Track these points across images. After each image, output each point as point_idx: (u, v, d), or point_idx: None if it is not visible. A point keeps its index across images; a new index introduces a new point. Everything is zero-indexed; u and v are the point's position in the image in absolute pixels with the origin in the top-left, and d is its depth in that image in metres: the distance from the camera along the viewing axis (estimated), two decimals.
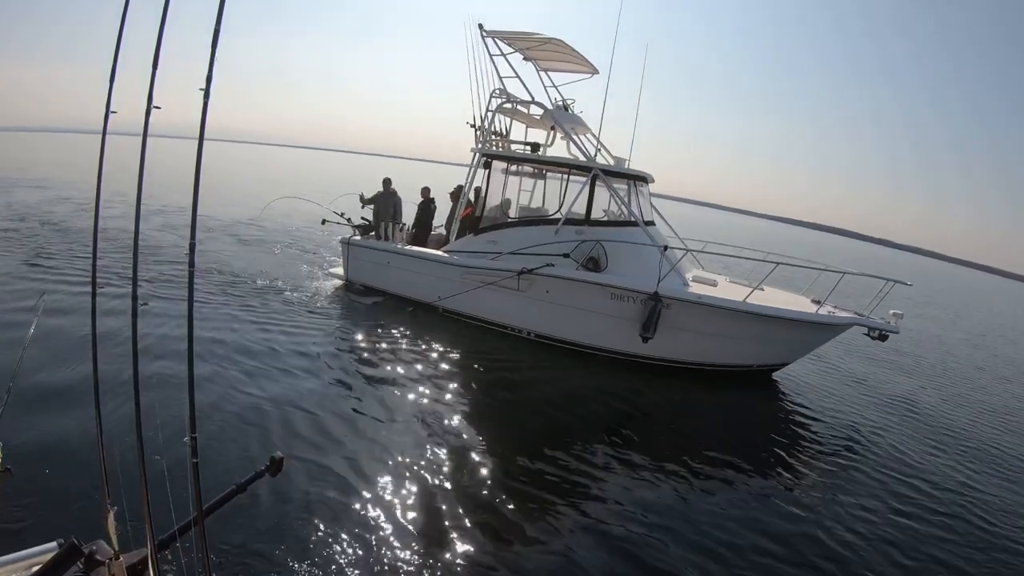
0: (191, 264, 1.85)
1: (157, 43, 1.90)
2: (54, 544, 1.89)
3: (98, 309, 2.22)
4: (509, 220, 9.67)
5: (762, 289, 8.37)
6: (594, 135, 10.13)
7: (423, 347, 8.13)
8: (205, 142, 1.76)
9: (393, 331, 8.65)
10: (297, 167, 69.42)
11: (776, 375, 8.97)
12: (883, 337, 7.76)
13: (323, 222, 10.56)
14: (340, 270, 11.08)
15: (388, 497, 4.49)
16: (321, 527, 4.03)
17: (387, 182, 10.68)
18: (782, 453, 6.51)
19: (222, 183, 29.79)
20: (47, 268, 9.54)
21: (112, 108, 2.17)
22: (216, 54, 1.72)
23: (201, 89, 1.74)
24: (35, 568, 1.75)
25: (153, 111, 1.97)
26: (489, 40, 9.61)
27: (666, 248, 8.33)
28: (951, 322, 22.53)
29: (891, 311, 7.76)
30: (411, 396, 6.48)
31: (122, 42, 2.08)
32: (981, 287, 64.11)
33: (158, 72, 1.94)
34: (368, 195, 10.61)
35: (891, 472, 6.30)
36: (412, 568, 3.78)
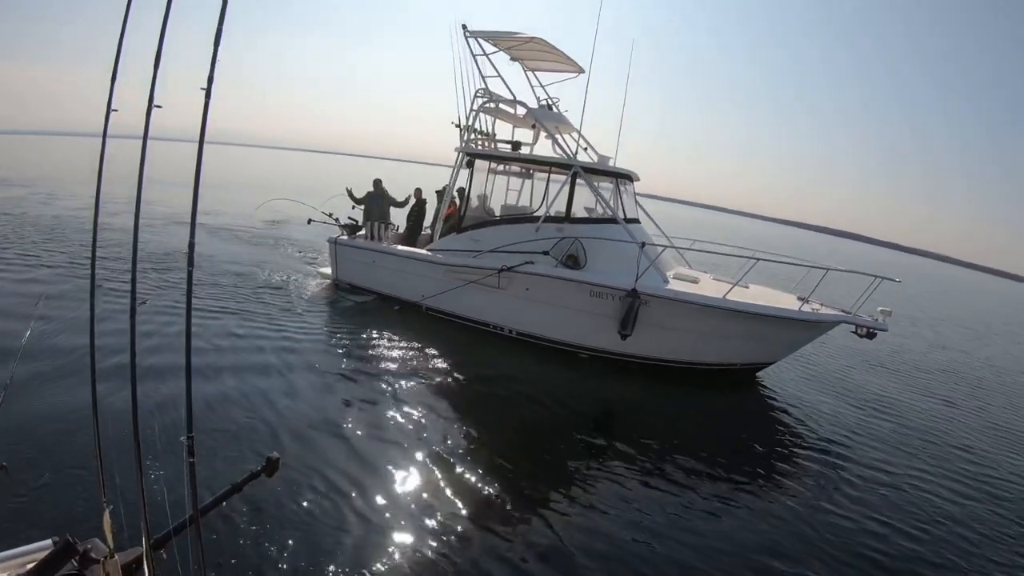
0: (190, 263, 1.83)
1: (159, 42, 1.90)
2: (49, 542, 1.88)
3: (96, 309, 2.20)
4: (491, 219, 9.66)
5: (746, 286, 8.25)
6: (579, 133, 10.10)
7: (405, 346, 8.17)
8: (206, 145, 1.74)
9: (376, 330, 8.68)
10: (288, 169, 69.64)
11: (760, 374, 8.81)
12: (871, 335, 7.54)
13: (308, 221, 10.66)
14: (328, 270, 11.15)
15: (375, 495, 4.53)
16: (314, 526, 4.03)
17: (377, 183, 10.77)
18: (764, 452, 6.44)
19: (214, 185, 29.86)
20: (47, 268, 9.69)
21: (114, 107, 2.16)
22: (218, 54, 1.71)
23: (202, 89, 1.73)
24: (29, 566, 1.72)
25: (154, 111, 1.96)
26: (473, 40, 9.64)
27: (644, 245, 8.24)
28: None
29: (879, 308, 7.57)
30: (393, 396, 6.49)
31: (124, 39, 2.06)
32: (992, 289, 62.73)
33: (160, 72, 1.93)
34: (358, 194, 10.70)
35: (875, 471, 6.21)
36: (400, 565, 3.81)
